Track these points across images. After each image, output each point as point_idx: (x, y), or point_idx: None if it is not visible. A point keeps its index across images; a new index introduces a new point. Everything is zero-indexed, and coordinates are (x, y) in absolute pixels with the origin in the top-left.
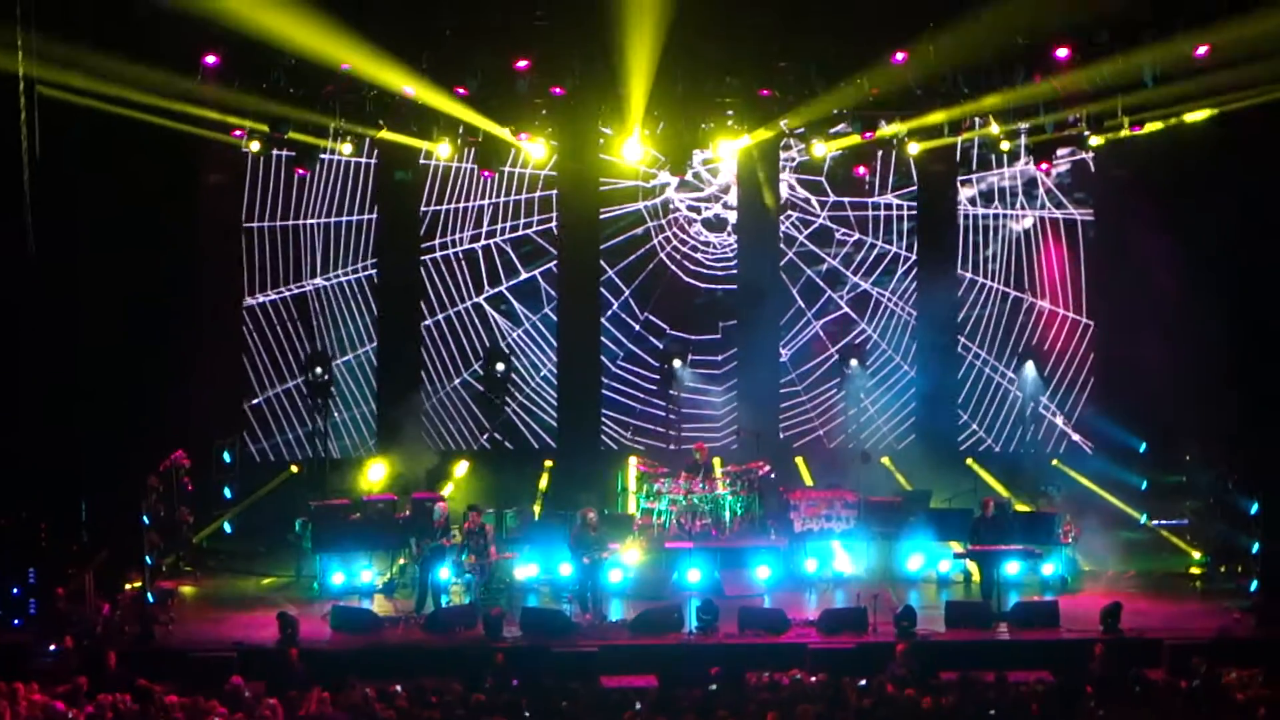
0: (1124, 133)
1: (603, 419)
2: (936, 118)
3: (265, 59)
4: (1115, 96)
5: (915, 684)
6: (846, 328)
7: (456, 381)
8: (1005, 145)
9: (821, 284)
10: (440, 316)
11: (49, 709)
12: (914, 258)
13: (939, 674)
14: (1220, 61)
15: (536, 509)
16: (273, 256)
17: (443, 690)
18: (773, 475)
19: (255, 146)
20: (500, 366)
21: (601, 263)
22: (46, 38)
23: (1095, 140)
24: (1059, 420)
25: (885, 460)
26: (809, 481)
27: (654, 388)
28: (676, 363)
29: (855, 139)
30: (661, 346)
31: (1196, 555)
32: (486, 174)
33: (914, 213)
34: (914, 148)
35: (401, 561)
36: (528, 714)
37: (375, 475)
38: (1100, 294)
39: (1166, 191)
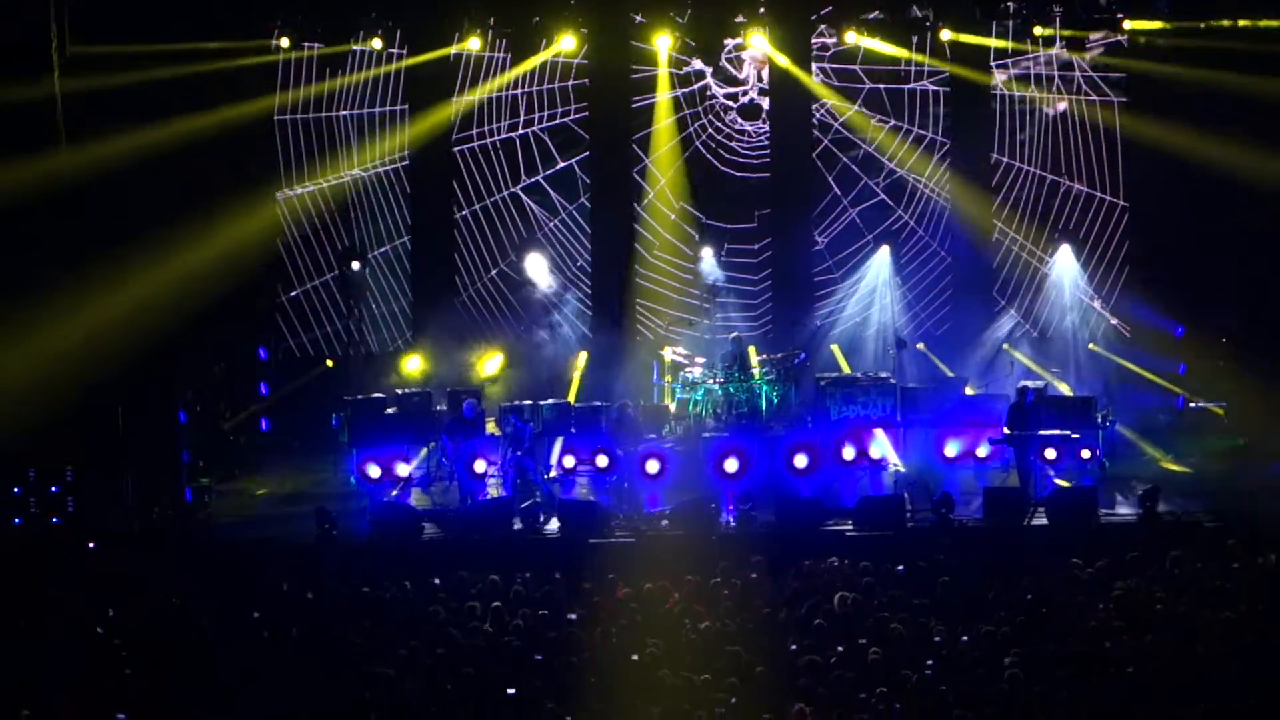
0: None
1: (638, 309)
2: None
3: None
4: None
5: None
6: (884, 214)
7: (493, 272)
8: (1038, 29)
9: (857, 170)
10: (477, 207)
11: None
12: (949, 143)
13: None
14: None
15: (572, 399)
16: (307, 148)
17: (481, 582)
18: (809, 363)
19: (285, 43)
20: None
21: (636, 149)
22: None
23: (1129, 24)
24: (1096, 304)
25: (921, 346)
26: (846, 369)
27: (689, 277)
28: (706, 252)
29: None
30: (696, 236)
31: (1237, 438)
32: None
33: (949, 95)
34: (946, 33)
35: (438, 455)
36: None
37: (412, 368)
38: (1136, 176)
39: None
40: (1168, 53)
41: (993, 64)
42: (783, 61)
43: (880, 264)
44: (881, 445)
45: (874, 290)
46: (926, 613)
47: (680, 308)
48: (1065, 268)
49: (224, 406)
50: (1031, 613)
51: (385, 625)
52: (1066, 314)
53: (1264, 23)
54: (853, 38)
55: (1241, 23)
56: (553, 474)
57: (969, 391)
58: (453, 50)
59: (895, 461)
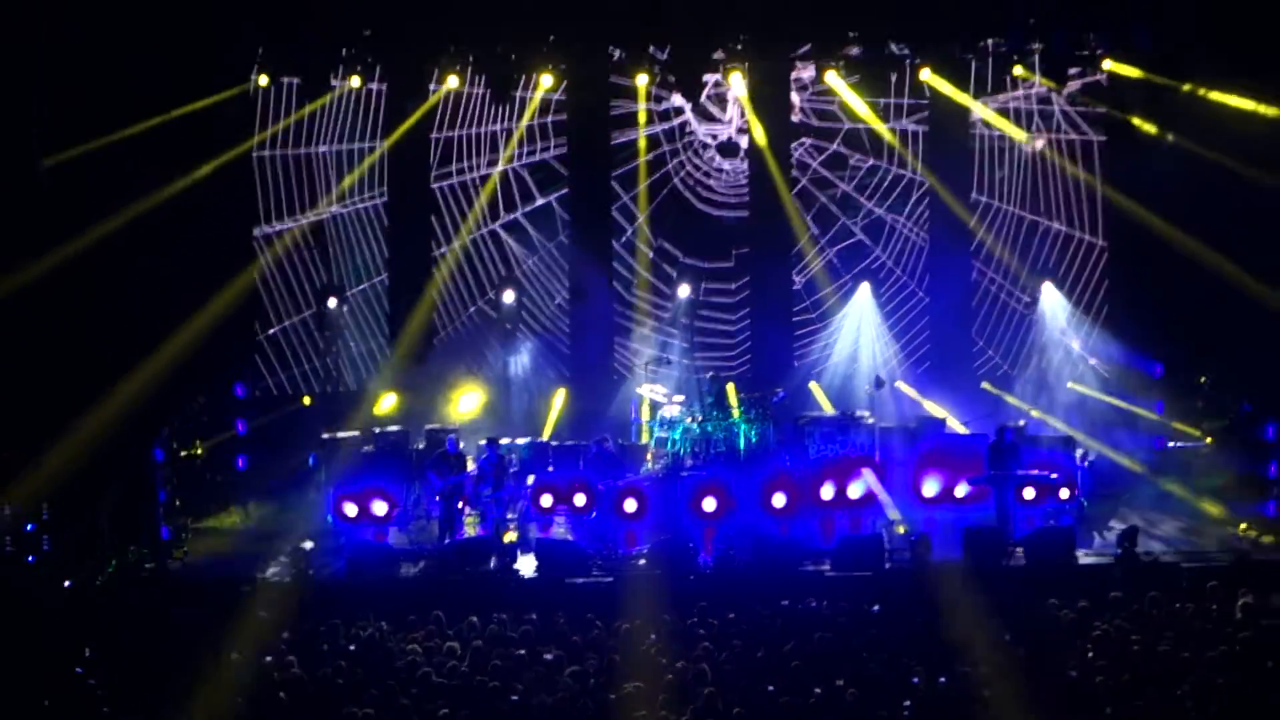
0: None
1: (616, 346)
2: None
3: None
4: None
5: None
6: (862, 254)
7: (471, 310)
8: (1018, 69)
9: (835, 210)
10: (454, 244)
11: None
12: (927, 182)
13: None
14: None
15: (547, 436)
16: (285, 185)
17: (459, 623)
18: (787, 402)
19: (264, 80)
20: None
21: (616, 186)
22: None
23: (1108, 63)
24: (1075, 343)
25: (901, 385)
26: (827, 407)
27: (667, 315)
28: (684, 290)
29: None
30: (674, 274)
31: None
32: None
33: (927, 135)
34: (925, 72)
35: (421, 492)
36: (544, 645)
37: (388, 405)
38: (1114, 216)
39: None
40: (1148, 95)
41: (971, 101)
42: (762, 98)
43: (861, 302)
44: (859, 484)
45: (855, 328)
46: (904, 654)
47: (658, 346)
48: (1049, 306)
49: (200, 445)
50: (1009, 653)
51: (361, 664)
52: (1046, 352)
53: (1234, 101)
54: (832, 77)
55: (1213, 96)
56: (511, 515)
57: (950, 429)
58: (431, 86)
59: (873, 499)
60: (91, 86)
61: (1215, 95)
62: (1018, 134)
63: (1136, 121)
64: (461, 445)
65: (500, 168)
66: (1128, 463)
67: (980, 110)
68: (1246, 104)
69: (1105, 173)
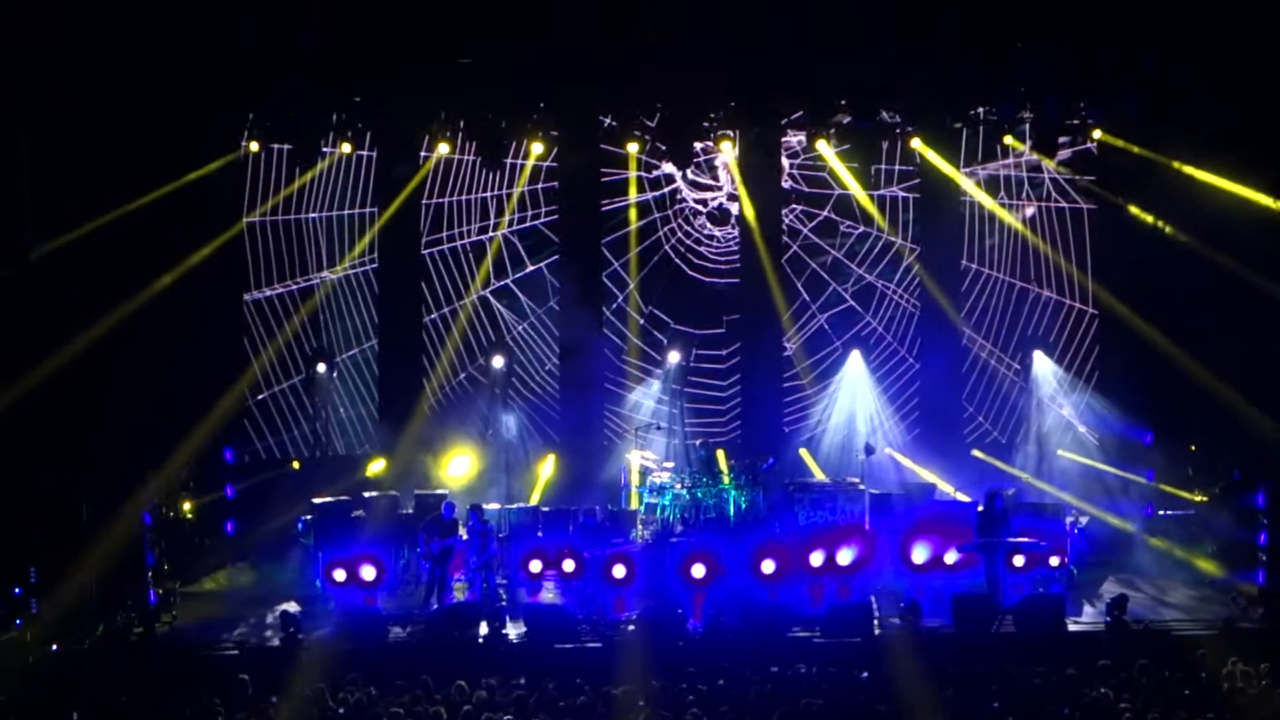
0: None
1: (606, 413)
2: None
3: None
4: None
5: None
6: (853, 320)
7: (461, 376)
8: (1008, 139)
9: (826, 276)
10: (445, 310)
11: None
12: (918, 249)
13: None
14: None
15: (536, 501)
16: (275, 251)
17: (447, 688)
18: (777, 468)
19: (254, 147)
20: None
21: (606, 253)
22: None
23: (1098, 134)
24: (1065, 411)
25: (891, 451)
26: (818, 473)
27: (656, 382)
28: (674, 356)
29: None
30: (664, 340)
31: (1205, 546)
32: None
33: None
34: (916, 141)
35: (411, 556)
36: (532, 711)
37: (376, 469)
38: (1105, 283)
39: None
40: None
41: (961, 169)
42: (752, 165)
43: (852, 368)
44: (848, 551)
45: (847, 395)
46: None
47: (646, 413)
48: (1040, 372)
49: (189, 507)
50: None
51: None
52: (1037, 419)
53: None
54: (822, 146)
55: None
56: (501, 580)
57: (941, 496)
58: (422, 153)
59: (862, 567)
60: (81, 164)
61: (1193, 171)
62: (1004, 215)
63: (1128, 205)
64: (453, 511)
65: (494, 234)
66: (1119, 525)
67: (970, 188)
68: (1222, 183)
69: (1095, 241)
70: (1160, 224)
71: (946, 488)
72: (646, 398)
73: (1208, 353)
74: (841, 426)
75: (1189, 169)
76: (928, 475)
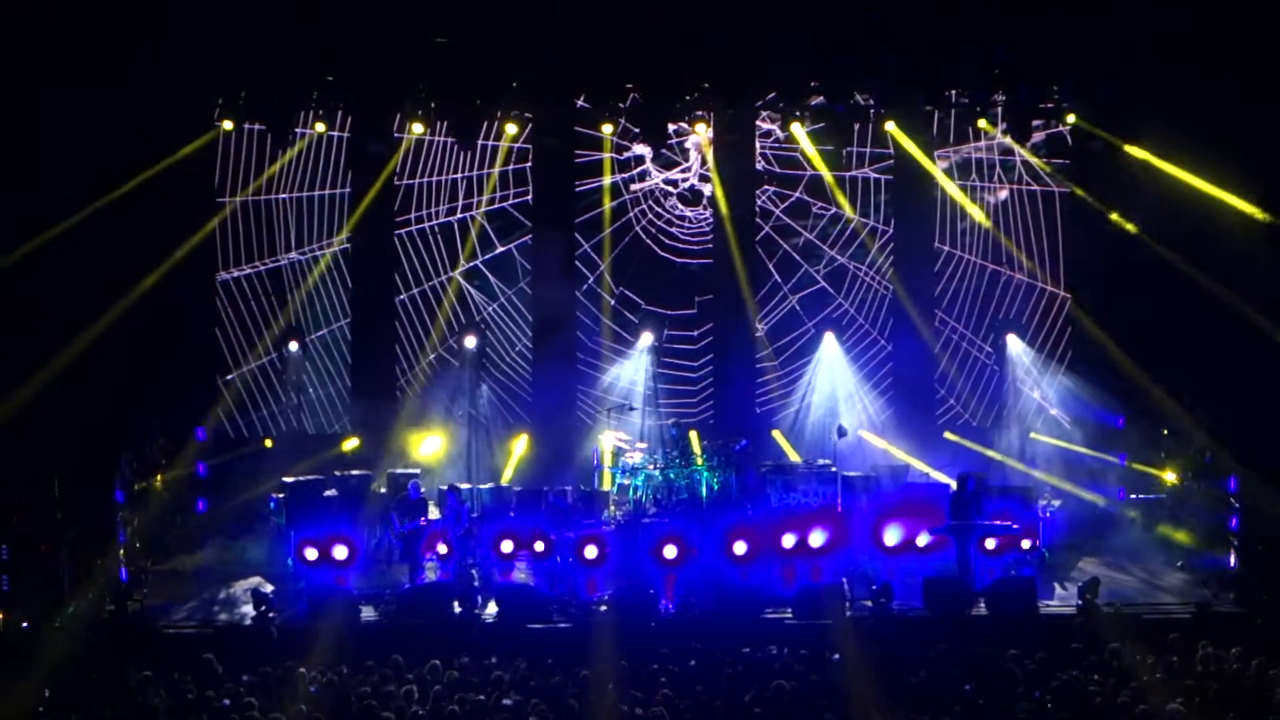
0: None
1: (578, 394)
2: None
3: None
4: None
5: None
6: (824, 301)
7: (431, 357)
8: (982, 123)
9: (798, 258)
10: (415, 291)
11: None
12: (890, 231)
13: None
14: None
15: (507, 481)
16: (246, 231)
17: (419, 667)
18: (750, 449)
19: (228, 125)
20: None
21: (576, 236)
22: None
23: (1071, 118)
24: (1036, 394)
25: (864, 433)
26: (792, 455)
27: (627, 362)
28: (646, 338)
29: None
30: (636, 321)
31: (1176, 531)
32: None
33: (890, 184)
34: (890, 124)
35: (382, 536)
36: (503, 691)
37: (350, 446)
38: (1077, 266)
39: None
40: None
41: (934, 152)
42: (725, 146)
43: (826, 350)
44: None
45: (819, 376)
46: (865, 703)
47: (619, 393)
48: (1012, 355)
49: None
50: (970, 703)
51: (321, 708)
52: (1009, 402)
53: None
54: (796, 129)
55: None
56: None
57: (914, 478)
58: (395, 134)
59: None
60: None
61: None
62: (967, 204)
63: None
64: (424, 489)
65: (465, 215)
66: (1091, 506)
67: (940, 177)
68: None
69: (1067, 223)
70: (1129, 225)
71: (922, 467)
72: (618, 379)
73: (1179, 335)
74: (816, 408)
75: (1160, 162)
76: (901, 456)
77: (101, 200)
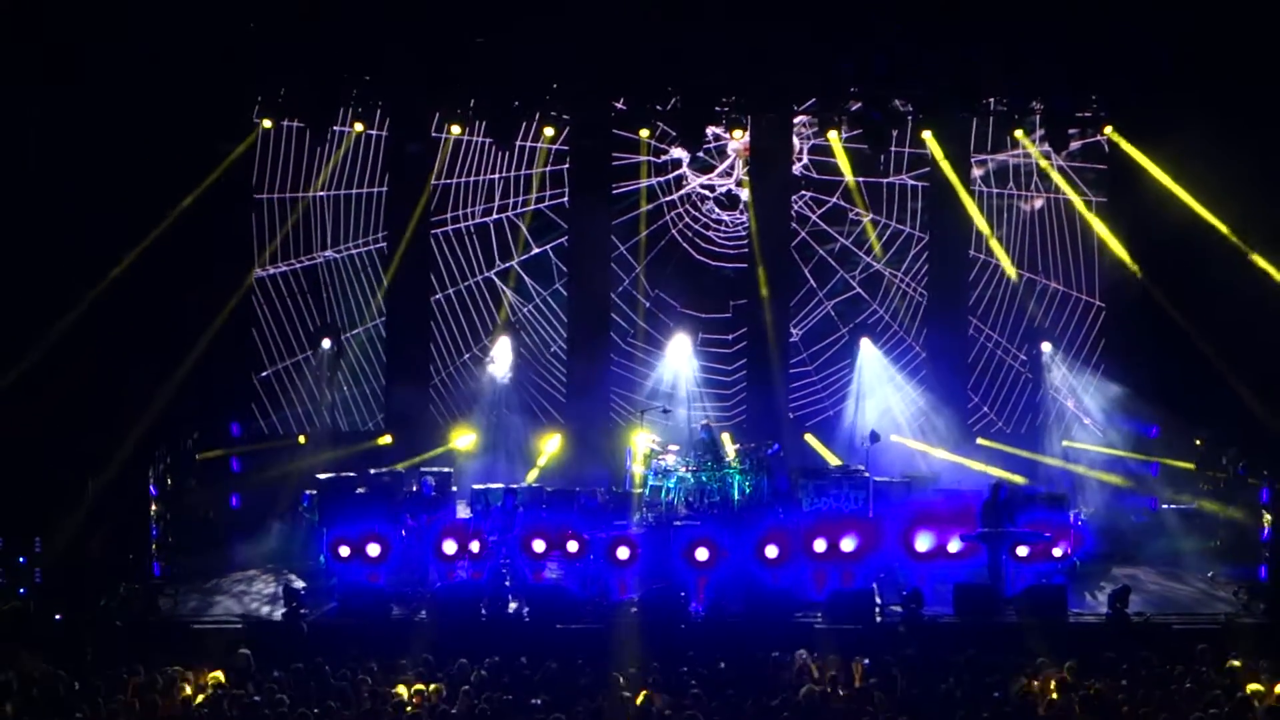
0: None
1: (612, 396)
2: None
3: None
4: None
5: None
6: (859, 308)
7: (465, 356)
8: (1018, 133)
9: (834, 263)
10: (450, 291)
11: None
12: (926, 238)
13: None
14: None
15: (532, 480)
16: (284, 228)
17: (448, 666)
18: (782, 454)
19: (267, 123)
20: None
21: (612, 238)
22: None
23: (1109, 129)
24: (1069, 403)
25: (897, 438)
26: (829, 458)
27: (661, 365)
28: (680, 341)
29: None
30: (671, 324)
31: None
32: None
33: (927, 190)
34: (926, 133)
35: (404, 534)
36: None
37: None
38: (1112, 276)
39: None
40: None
41: (971, 159)
42: (763, 151)
43: (862, 355)
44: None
45: (854, 381)
46: (893, 707)
47: (654, 395)
48: (1046, 364)
49: (195, 482)
50: (998, 710)
51: (351, 705)
52: (1042, 410)
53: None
54: (833, 136)
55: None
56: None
57: (946, 485)
58: (433, 134)
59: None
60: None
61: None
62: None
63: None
64: (454, 490)
65: (500, 215)
66: (1123, 517)
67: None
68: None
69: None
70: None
71: (967, 463)
72: (659, 380)
73: (1216, 344)
74: (851, 413)
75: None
76: (937, 457)
77: (148, 203)
